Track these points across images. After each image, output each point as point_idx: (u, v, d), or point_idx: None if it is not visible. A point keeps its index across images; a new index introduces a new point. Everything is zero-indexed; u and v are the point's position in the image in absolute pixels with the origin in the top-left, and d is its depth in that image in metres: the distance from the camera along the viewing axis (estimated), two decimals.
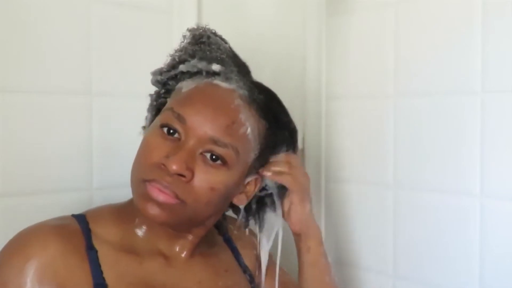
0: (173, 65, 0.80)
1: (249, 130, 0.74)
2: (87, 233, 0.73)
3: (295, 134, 0.84)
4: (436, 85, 1.02)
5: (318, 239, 0.87)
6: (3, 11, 0.86)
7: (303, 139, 1.24)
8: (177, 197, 0.70)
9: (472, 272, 0.97)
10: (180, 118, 0.72)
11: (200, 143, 0.71)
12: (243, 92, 0.75)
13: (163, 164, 0.70)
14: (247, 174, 0.78)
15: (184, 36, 0.81)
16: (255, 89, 0.78)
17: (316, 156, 1.25)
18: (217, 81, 0.76)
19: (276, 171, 0.81)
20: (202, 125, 0.72)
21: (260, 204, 0.86)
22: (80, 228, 0.73)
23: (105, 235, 0.74)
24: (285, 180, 0.82)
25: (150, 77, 0.83)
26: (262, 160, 0.79)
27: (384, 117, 1.11)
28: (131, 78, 1.00)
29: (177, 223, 0.74)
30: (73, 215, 0.76)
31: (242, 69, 0.81)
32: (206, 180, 0.71)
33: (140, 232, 0.77)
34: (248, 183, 0.79)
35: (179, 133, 0.73)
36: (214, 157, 0.72)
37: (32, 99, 0.90)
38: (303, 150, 1.24)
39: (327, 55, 1.24)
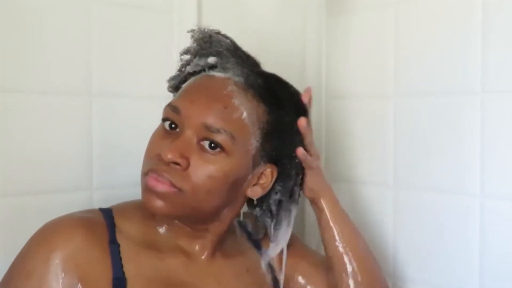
0: (181, 69, 0.81)
1: (244, 114, 0.73)
2: (111, 227, 0.75)
3: (303, 113, 0.81)
4: (436, 85, 1.02)
5: (331, 198, 0.86)
6: (4, 11, 0.86)
7: None
8: (173, 185, 0.71)
9: (472, 272, 0.97)
10: (176, 110, 0.74)
11: (195, 131, 0.72)
12: (238, 79, 0.75)
13: (160, 155, 0.71)
14: (255, 164, 0.76)
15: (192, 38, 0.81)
16: (253, 76, 0.76)
17: None
18: (213, 72, 0.77)
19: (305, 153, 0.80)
20: (195, 113, 0.72)
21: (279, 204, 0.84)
22: (105, 222, 0.75)
23: (128, 230, 0.76)
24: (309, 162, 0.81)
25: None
26: (269, 147, 0.76)
27: (384, 117, 1.11)
28: (131, 78, 1.00)
29: (182, 214, 0.74)
30: (100, 209, 0.78)
31: (245, 60, 0.79)
32: (203, 167, 0.71)
33: (161, 229, 0.78)
34: (262, 174, 0.78)
35: (177, 126, 0.74)
36: (213, 145, 0.72)
37: (32, 99, 0.90)
38: None
39: (327, 55, 1.24)
